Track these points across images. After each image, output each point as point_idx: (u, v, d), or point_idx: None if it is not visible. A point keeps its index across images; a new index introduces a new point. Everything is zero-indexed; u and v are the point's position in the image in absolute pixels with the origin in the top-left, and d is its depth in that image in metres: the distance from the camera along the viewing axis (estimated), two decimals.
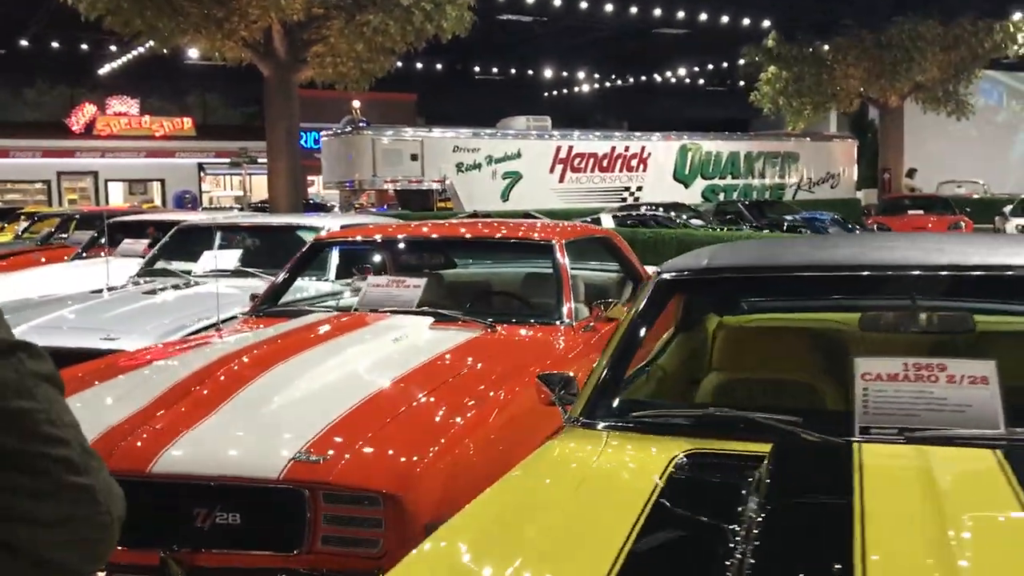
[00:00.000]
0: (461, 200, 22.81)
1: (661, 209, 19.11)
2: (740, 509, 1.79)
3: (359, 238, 5.26)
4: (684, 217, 18.55)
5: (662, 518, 1.83)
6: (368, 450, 2.81)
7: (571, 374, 2.78)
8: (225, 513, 2.78)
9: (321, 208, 23.32)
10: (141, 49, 20.55)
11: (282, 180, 16.88)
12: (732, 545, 1.64)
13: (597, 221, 13.62)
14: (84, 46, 28.69)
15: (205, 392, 3.19)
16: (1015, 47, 25.18)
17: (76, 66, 30.36)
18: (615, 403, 2.54)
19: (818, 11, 25.24)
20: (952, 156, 31.68)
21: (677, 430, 2.33)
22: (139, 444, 2.89)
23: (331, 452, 2.78)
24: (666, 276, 2.75)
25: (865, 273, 2.51)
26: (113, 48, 27.56)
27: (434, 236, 5.04)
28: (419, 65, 31.79)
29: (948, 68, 24.95)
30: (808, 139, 30.22)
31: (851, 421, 2.17)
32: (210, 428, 2.96)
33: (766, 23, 26.58)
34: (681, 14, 26.66)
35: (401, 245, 5.19)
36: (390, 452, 2.83)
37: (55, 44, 28.43)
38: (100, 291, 6.13)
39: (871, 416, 2.16)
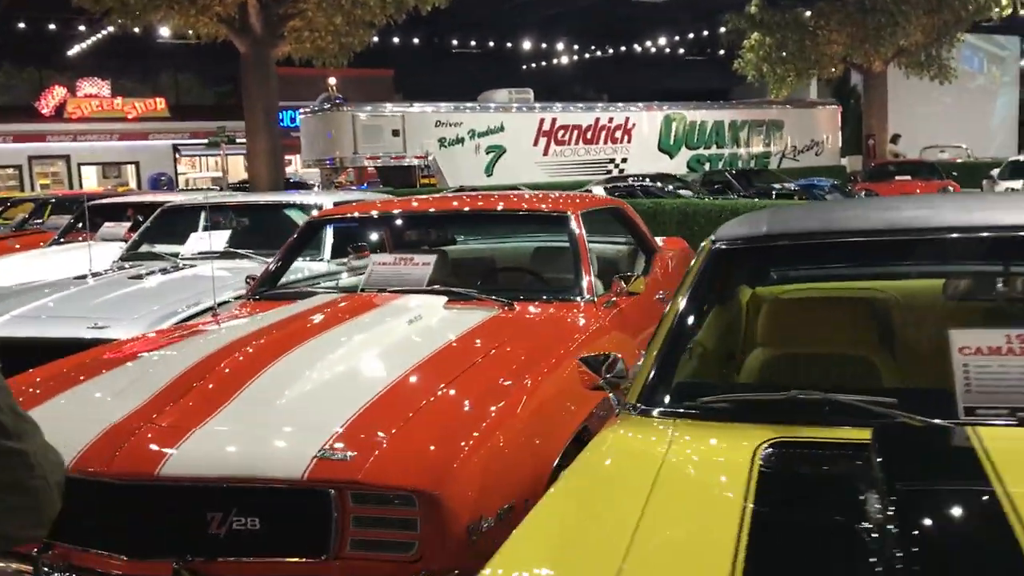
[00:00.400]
0: (445, 175, 22.45)
1: (648, 180, 18.85)
2: (862, 506, 1.56)
3: (357, 215, 4.97)
4: (671, 187, 18.30)
5: (770, 522, 1.59)
6: (398, 445, 2.56)
7: (618, 355, 2.54)
8: (242, 518, 2.53)
9: (302, 187, 22.88)
10: (111, 28, 19.95)
11: (262, 159, 16.48)
12: (871, 547, 1.41)
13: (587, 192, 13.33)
14: (52, 26, 27.95)
15: (211, 386, 2.92)
16: (997, 9, 25.01)
17: (44, 47, 29.60)
18: (675, 387, 2.30)
19: None
20: (934, 122, 31.60)
21: (752, 416, 2.09)
22: (143, 445, 2.62)
23: (358, 448, 2.53)
24: (722, 245, 2.50)
25: (951, 236, 2.27)
26: (82, 28, 26.88)
27: (442, 211, 4.76)
28: (395, 40, 31.29)
29: (931, 32, 24.76)
30: (792, 106, 29.99)
31: (952, 401, 1.93)
32: (221, 425, 2.70)
33: None
34: None
35: (405, 221, 4.91)
36: (422, 446, 2.58)
37: (21, 24, 27.67)
38: (84, 277, 5.83)
39: (975, 395, 1.93)
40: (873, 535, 1.46)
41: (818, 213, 2.58)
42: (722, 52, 31.80)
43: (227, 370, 3.03)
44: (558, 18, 31.57)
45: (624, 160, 25.97)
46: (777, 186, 18.07)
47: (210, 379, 2.97)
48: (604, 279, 4.30)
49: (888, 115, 26.81)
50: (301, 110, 23.76)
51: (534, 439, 2.88)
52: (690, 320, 2.44)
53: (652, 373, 2.31)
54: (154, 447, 2.61)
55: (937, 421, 1.89)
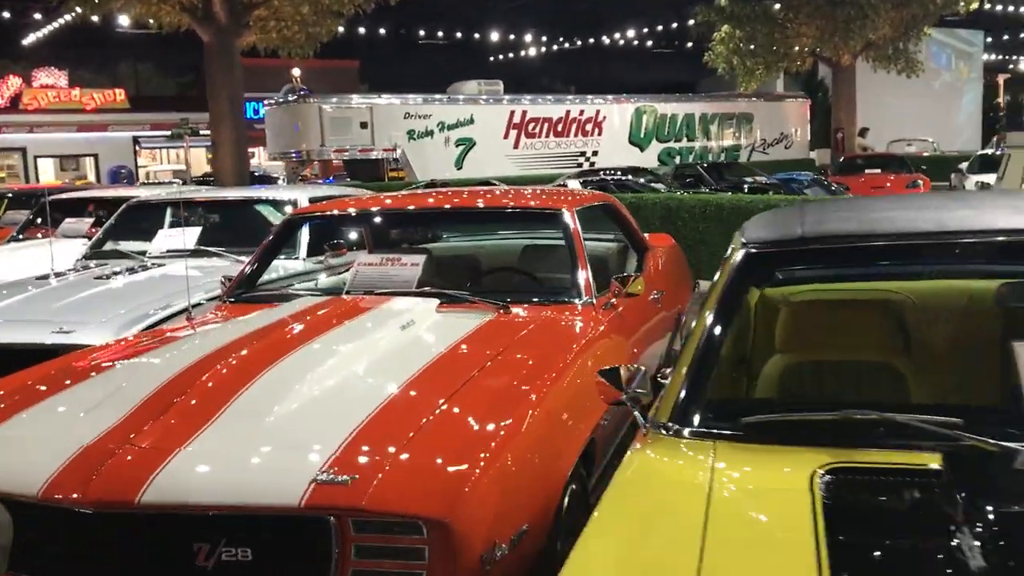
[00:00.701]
0: (414, 169, 22.16)
1: (620, 173, 18.71)
2: (952, 540, 1.38)
3: (340, 212, 4.73)
4: (642, 181, 18.15)
5: (851, 562, 1.41)
6: (403, 467, 2.35)
7: (641, 367, 2.35)
8: (232, 548, 2.31)
9: (268, 181, 22.45)
10: (68, 17, 19.39)
11: (227, 151, 16.07)
12: None
13: (563, 187, 13.15)
14: (6, 14, 27.18)
15: (193, 402, 2.68)
16: (963, 3, 25.21)
17: None
18: (710, 404, 2.11)
19: None
20: (902, 116, 31.86)
21: (800, 438, 1.90)
22: (122, 469, 2.38)
23: (358, 470, 2.31)
24: (753, 249, 2.32)
25: (1007, 239, 2.11)
26: (38, 16, 26.15)
27: (430, 208, 4.54)
28: (361, 30, 30.89)
29: (899, 25, 24.88)
30: (762, 100, 30.06)
31: (1010, 424, 1.77)
32: (207, 446, 2.47)
33: None
34: None
35: (390, 218, 4.66)
36: (429, 469, 2.37)
37: None
38: (46, 277, 5.53)
39: None
40: (971, 572, 1.28)
41: (854, 213, 2.41)
42: (690, 45, 31.77)
43: (210, 384, 2.79)
44: (525, 9, 31.38)
45: (595, 153, 25.84)
46: (749, 179, 18.00)
47: (192, 394, 2.73)
48: (597, 279, 4.11)
49: (856, 109, 26.93)
50: (266, 102, 23.32)
51: (543, 457, 2.69)
52: (722, 331, 2.25)
53: (684, 389, 2.12)
54: (133, 471, 2.37)
55: (1013, 445, 1.72)
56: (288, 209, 6.35)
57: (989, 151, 21.18)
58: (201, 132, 21.71)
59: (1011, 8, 33.55)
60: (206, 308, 4.52)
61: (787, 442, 1.91)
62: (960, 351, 2.84)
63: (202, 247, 6.11)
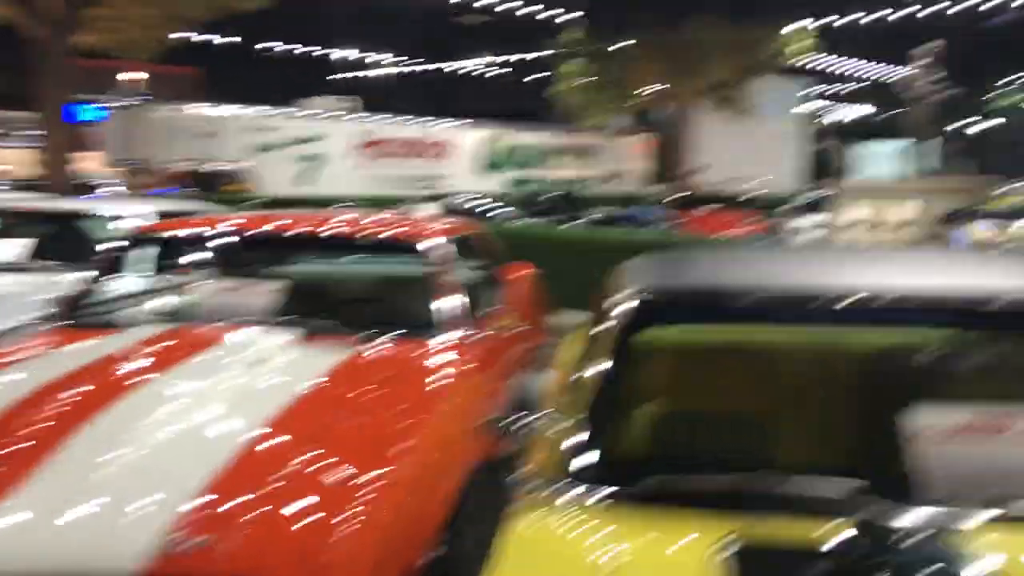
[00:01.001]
0: (259, 183, 21.41)
1: (473, 199, 18.72)
2: None
3: (189, 231, 4.38)
4: (492, 208, 18.23)
5: None
6: (262, 529, 2.11)
7: (528, 417, 2.22)
8: None
9: (89, 189, 21.11)
10: None
11: (59, 157, 14.96)
12: None
13: (410, 212, 12.98)
14: None
15: (10, 450, 2.34)
16: (785, 58, 26.97)
17: None
18: (597, 460, 1.99)
19: (619, 7, 25.77)
20: (738, 156, 33.50)
21: (703, 502, 1.81)
22: None
23: (210, 531, 2.06)
24: (650, 296, 2.23)
25: (922, 302, 2.10)
26: None
27: (293, 231, 4.24)
28: (206, 38, 29.85)
29: (737, 71, 26.25)
30: (606, 134, 30.95)
31: (926, 486, 1.75)
32: (27, 503, 2.15)
33: (569, 16, 26.88)
34: (482, 0, 26.55)
35: (249, 241, 4.32)
36: (293, 530, 2.14)
37: None
38: None
39: (947, 483, 1.75)
40: None
41: (749, 265, 2.36)
42: (540, 76, 32.43)
43: (31, 428, 2.45)
44: (378, 30, 31.20)
45: (445, 177, 25.81)
46: (596, 212, 18.39)
47: (12, 438, 2.39)
48: (463, 311, 3.96)
49: (696, 147, 28.17)
50: (105, 105, 22.00)
51: (414, 510, 2.50)
52: (609, 381, 2.14)
53: (570, 443, 1.99)
54: None
55: (922, 510, 1.69)
56: (129, 224, 5.89)
57: (814, 194, 22.50)
58: (21, 133, 20.19)
59: (835, 61, 36.16)
60: (31, 331, 4.07)
61: (688, 505, 1.81)
62: (834, 405, 2.85)
63: (25, 263, 5.57)
